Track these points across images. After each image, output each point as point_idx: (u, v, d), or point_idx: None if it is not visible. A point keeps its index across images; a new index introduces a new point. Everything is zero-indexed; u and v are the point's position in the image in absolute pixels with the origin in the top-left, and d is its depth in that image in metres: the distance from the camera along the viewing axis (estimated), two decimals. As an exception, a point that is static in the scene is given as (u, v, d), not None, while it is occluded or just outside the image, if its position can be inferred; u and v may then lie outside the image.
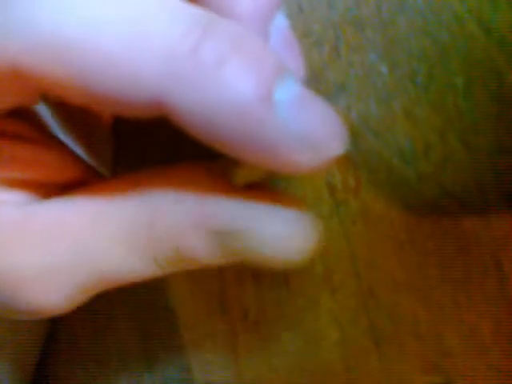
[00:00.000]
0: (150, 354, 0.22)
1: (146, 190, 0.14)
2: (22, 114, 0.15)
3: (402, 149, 0.19)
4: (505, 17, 0.18)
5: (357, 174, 0.20)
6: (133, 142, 0.21)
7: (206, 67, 0.11)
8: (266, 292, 0.21)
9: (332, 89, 0.20)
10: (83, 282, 0.14)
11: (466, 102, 0.19)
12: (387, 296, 0.19)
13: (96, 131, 0.19)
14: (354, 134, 0.20)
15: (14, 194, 0.15)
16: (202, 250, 0.13)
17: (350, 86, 0.20)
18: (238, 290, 0.21)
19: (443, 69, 0.19)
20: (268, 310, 0.21)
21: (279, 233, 0.13)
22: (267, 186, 0.14)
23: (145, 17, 0.12)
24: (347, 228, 0.20)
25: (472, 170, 0.19)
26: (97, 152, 0.19)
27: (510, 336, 0.18)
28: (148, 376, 0.22)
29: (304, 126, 0.12)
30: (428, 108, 0.19)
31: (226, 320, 0.21)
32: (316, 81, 0.20)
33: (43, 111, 0.17)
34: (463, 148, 0.19)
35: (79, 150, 0.18)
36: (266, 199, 0.13)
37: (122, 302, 0.23)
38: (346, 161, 0.20)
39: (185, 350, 0.22)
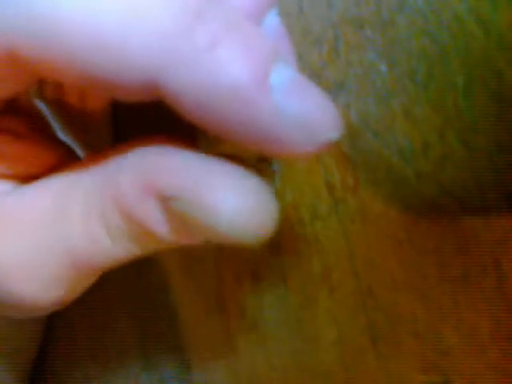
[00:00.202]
0: (148, 352, 0.22)
1: (110, 165, 0.13)
2: (12, 110, 0.15)
3: (401, 148, 0.19)
4: (504, 16, 0.18)
5: (355, 172, 0.20)
6: (132, 133, 0.21)
7: (199, 49, 0.11)
8: (264, 291, 0.21)
9: (331, 88, 0.20)
10: (59, 270, 0.13)
11: (466, 102, 0.19)
12: (386, 295, 0.19)
13: (94, 128, 0.19)
14: (353, 133, 0.20)
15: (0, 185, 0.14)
16: (155, 222, 0.12)
17: (350, 84, 0.20)
18: (236, 289, 0.21)
19: (443, 68, 0.19)
20: (266, 309, 0.21)
21: (233, 206, 0.12)
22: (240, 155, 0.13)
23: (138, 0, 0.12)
24: (346, 227, 0.20)
25: (471, 169, 0.19)
26: (94, 149, 0.19)
27: (508, 335, 0.18)
28: (146, 374, 0.22)
29: (299, 110, 0.12)
30: (427, 107, 0.19)
31: (224, 319, 0.21)
32: (315, 80, 0.20)
33: (42, 109, 0.17)
34: (462, 147, 0.19)
35: (76, 147, 0.18)
36: (228, 169, 0.12)
37: (122, 300, 0.23)
38: (344, 160, 0.20)
39: (184, 349, 0.22)
